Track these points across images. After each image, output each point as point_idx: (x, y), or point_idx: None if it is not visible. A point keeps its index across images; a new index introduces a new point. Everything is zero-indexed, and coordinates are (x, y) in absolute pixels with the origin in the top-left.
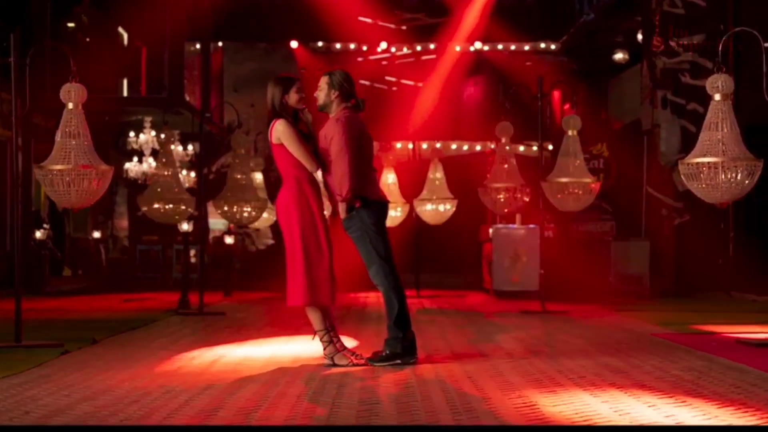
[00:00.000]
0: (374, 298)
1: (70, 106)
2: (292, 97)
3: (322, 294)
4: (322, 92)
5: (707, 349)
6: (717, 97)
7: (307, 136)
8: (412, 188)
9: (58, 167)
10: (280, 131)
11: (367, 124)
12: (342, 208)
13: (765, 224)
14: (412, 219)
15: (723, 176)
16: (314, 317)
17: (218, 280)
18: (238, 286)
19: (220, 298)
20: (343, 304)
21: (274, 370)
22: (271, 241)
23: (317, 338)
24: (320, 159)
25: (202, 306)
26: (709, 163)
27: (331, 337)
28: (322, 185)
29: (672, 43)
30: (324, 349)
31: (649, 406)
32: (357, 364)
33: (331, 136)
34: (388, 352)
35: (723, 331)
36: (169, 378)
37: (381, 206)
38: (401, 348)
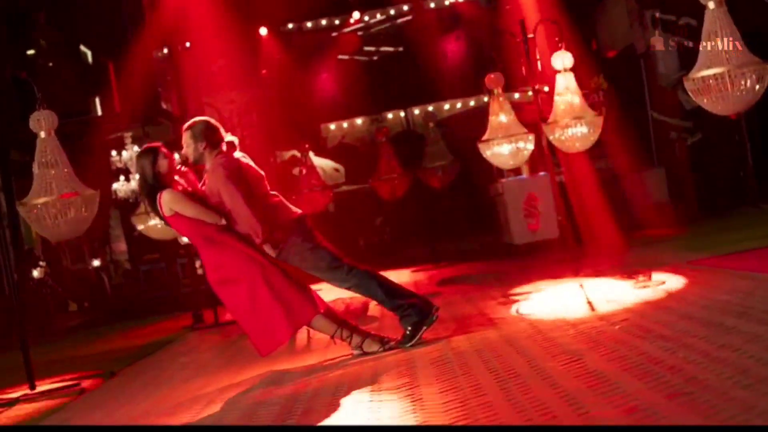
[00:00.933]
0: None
1: (42, 134)
2: (162, 165)
3: (302, 313)
4: (190, 148)
5: (749, 268)
6: (711, 5)
7: (193, 194)
8: (412, 157)
9: (42, 200)
10: (168, 201)
11: (353, 100)
12: (267, 247)
13: None
14: (419, 189)
15: (732, 86)
16: (320, 327)
17: None
18: None
19: None
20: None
21: (301, 373)
22: None
23: (337, 339)
24: (216, 210)
25: (217, 318)
26: (715, 74)
27: (349, 330)
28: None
29: None
30: (349, 343)
31: (700, 338)
32: (387, 348)
33: (217, 187)
34: (409, 327)
35: (760, 245)
36: (195, 398)
37: (300, 223)
38: (416, 314)
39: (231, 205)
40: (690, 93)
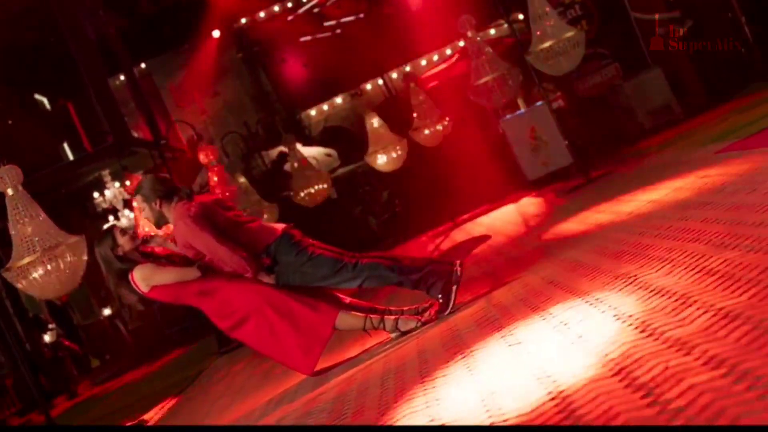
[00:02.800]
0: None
1: (10, 192)
2: (125, 245)
3: (320, 325)
4: (147, 210)
5: None
6: None
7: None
8: (402, 123)
9: (27, 260)
10: (143, 277)
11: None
12: (263, 276)
13: None
14: (416, 153)
15: None
16: (347, 325)
17: None
18: None
19: None
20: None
21: (344, 368)
22: None
23: (368, 331)
24: (190, 260)
25: None
26: None
27: (379, 315)
28: None
29: None
30: (384, 329)
31: (758, 225)
32: (426, 321)
33: (188, 239)
34: (440, 294)
35: None
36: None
37: (285, 239)
38: (439, 278)
39: (207, 250)
40: None
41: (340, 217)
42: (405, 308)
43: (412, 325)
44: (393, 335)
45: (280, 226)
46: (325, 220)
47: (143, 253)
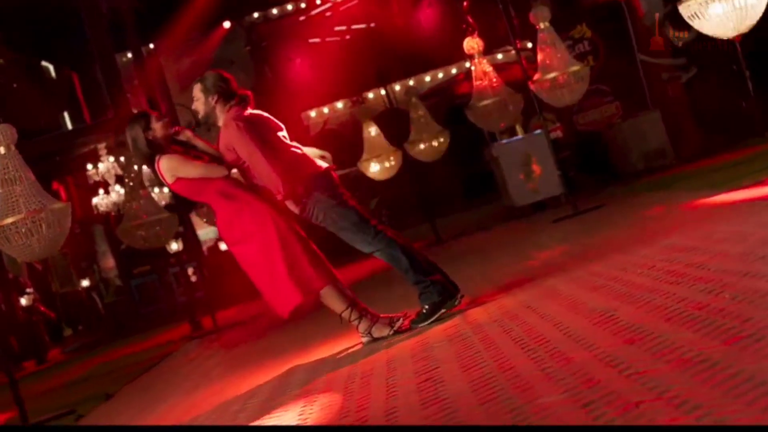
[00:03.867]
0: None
1: (2, 150)
2: (157, 130)
3: (313, 279)
4: (200, 102)
5: None
6: None
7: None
8: (399, 135)
9: (9, 220)
10: (169, 167)
11: (331, 83)
12: (290, 203)
13: None
14: (408, 166)
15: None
16: (331, 300)
17: (227, 291)
18: (249, 292)
19: (233, 309)
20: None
21: (311, 368)
22: None
23: (344, 320)
24: (220, 160)
25: (216, 323)
26: None
27: (359, 311)
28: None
29: None
30: (357, 327)
31: (744, 276)
32: (399, 331)
33: (233, 143)
34: (426, 306)
35: None
36: (200, 409)
37: (324, 177)
38: (437, 295)
39: (249, 159)
40: (688, 20)
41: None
42: (381, 315)
43: (385, 332)
44: (364, 339)
45: (323, 163)
46: (312, 226)
47: (175, 141)
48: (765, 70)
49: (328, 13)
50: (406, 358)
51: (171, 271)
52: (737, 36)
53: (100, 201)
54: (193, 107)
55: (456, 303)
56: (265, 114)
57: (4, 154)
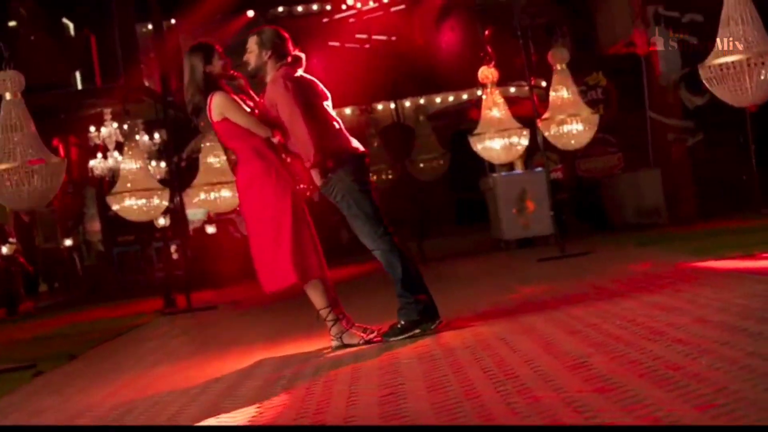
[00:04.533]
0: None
1: (8, 96)
2: (216, 66)
3: (311, 266)
4: (253, 54)
5: (764, 272)
6: None
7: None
8: (401, 150)
9: (3, 166)
10: (220, 105)
11: (342, 88)
12: (315, 173)
13: None
14: (405, 182)
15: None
16: (315, 294)
17: (206, 274)
18: (229, 277)
19: (210, 293)
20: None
21: (277, 363)
22: None
23: (320, 318)
24: (269, 122)
25: (190, 303)
26: (734, 62)
27: (336, 314)
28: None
29: None
30: (330, 329)
31: (722, 344)
32: (370, 342)
33: (277, 100)
34: (403, 322)
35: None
36: (158, 387)
37: (357, 159)
38: (417, 314)
39: (288, 120)
40: (705, 82)
41: (315, 218)
42: (355, 323)
43: (355, 340)
44: (334, 343)
45: (360, 146)
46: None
47: (229, 84)
48: None
49: (351, 20)
50: (373, 370)
51: (154, 245)
52: (752, 106)
53: (97, 164)
54: (245, 58)
55: (432, 327)
56: (315, 79)
57: (10, 100)
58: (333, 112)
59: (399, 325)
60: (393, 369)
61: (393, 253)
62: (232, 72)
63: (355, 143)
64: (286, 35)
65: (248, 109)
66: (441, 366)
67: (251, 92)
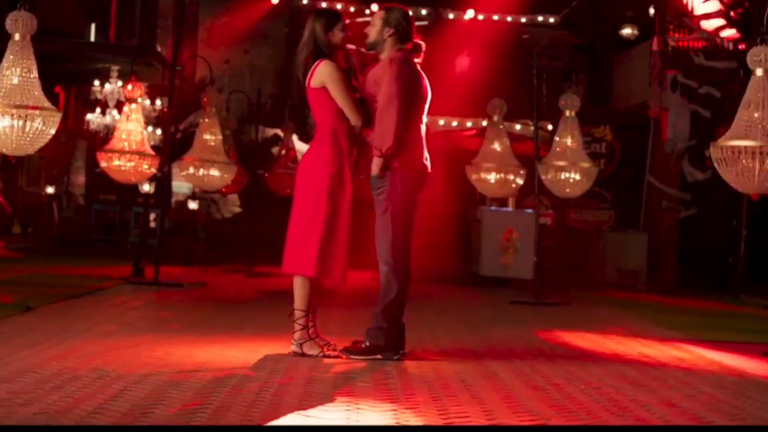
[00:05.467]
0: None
1: (17, 36)
2: (337, 35)
3: (334, 270)
4: (375, 28)
5: (735, 363)
6: (759, 72)
7: (351, 81)
8: None
9: None
10: (325, 73)
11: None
12: (377, 164)
13: None
14: None
15: (762, 163)
16: (302, 293)
17: (179, 249)
18: (201, 256)
19: (179, 268)
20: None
21: (232, 358)
22: (238, 210)
23: (292, 317)
24: (366, 111)
25: (157, 275)
26: (746, 147)
27: (308, 321)
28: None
29: (686, 20)
30: (295, 331)
31: None
32: (329, 356)
33: (382, 79)
34: (368, 343)
35: (742, 340)
36: (106, 359)
37: (420, 173)
38: (384, 341)
39: (383, 103)
40: (714, 161)
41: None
42: (321, 335)
43: (315, 352)
44: (293, 347)
45: (430, 165)
46: (285, 213)
47: (346, 56)
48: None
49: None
50: (328, 382)
51: (134, 209)
52: (755, 194)
53: (94, 119)
54: (366, 30)
55: (393, 359)
56: (424, 77)
57: (17, 41)
58: (425, 117)
59: (364, 345)
60: (347, 390)
61: (398, 276)
62: (348, 48)
63: (427, 158)
64: (413, 20)
65: (350, 91)
66: (396, 395)
67: (359, 73)
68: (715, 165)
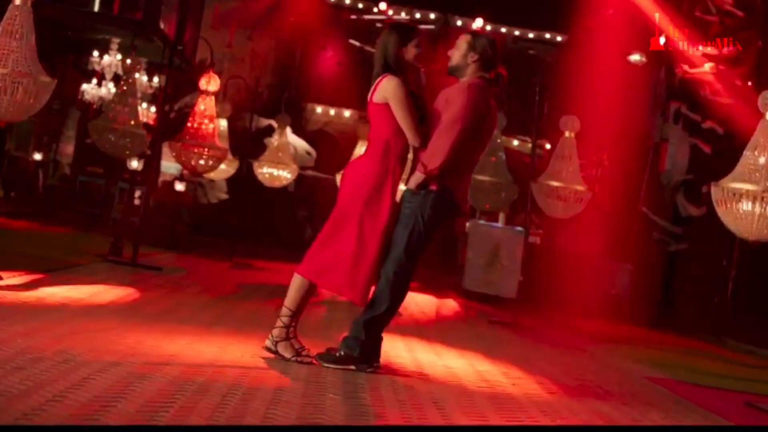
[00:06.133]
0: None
1: (17, 1)
2: (410, 52)
3: (357, 287)
4: (459, 52)
5: (713, 408)
6: None
7: (416, 100)
8: None
9: None
10: (389, 89)
11: (348, 89)
12: (416, 179)
13: None
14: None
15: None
16: (297, 295)
17: (161, 230)
18: (183, 239)
19: (159, 250)
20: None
21: (202, 353)
22: (225, 196)
23: (278, 312)
24: (426, 131)
25: (136, 255)
26: (748, 190)
27: (291, 321)
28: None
29: (697, 53)
30: (275, 327)
31: None
32: (301, 361)
33: (455, 101)
34: (342, 353)
35: (723, 386)
36: (73, 342)
37: (452, 208)
38: (359, 352)
39: (446, 125)
40: (714, 201)
41: (284, 210)
42: (298, 338)
43: (288, 354)
44: (267, 343)
45: (466, 204)
46: (270, 203)
47: (417, 73)
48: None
49: (378, 24)
50: (297, 390)
51: (120, 185)
52: (754, 240)
53: (89, 89)
54: (449, 53)
55: (366, 371)
56: (496, 109)
57: (18, 5)
58: (484, 150)
59: (338, 354)
60: (316, 401)
61: (392, 291)
62: (420, 65)
63: (466, 199)
64: (498, 50)
65: (413, 109)
66: (365, 412)
67: (423, 92)
68: (715, 205)
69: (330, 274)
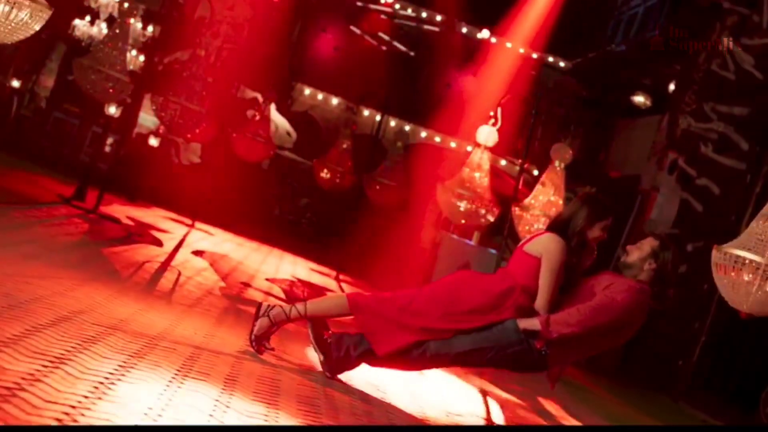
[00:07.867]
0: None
1: None
2: (595, 233)
3: (390, 344)
4: (640, 253)
5: None
6: None
7: (568, 273)
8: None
9: None
10: (550, 249)
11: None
12: (532, 325)
13: (748, 344)
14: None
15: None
16: (330, 312)
17: (127, 181)
18: (147, 194)
19: (122, 201)
20: None
21: (153, 324)
22: (197, 160)
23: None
24: (555, 300)
25: (98, 203)
26: (751, 261)
27: (286, 324)
28: None
29: (706, 107)
30: (263, 313)
31: None
32: (253, 347)
33: (614, 291)
34: (330, 341)
35: None
36: (20, 287)
37: (527, 368)
38: (340, 355)
39: (592, 310)
40: (712, 264)
41: (255, 183)
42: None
43: (253, 330)
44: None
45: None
46: (242, 174)
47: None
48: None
49: (383, 15)
50: (250, 386)
51: (93, 128)
52: (744, 313)
53: (80, 25)
54: (628, 247)
55: (327, 376)
56: (646, 315)
57: None
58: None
59: (328, 340)
60: (268, 399)
61: (423, 367)
62: (593, 249)
63: (554, 366)
64: (678, 265)
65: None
66: (319, 419)
67: (579, 269)
68: (713, 269)
69: (375, 318)
